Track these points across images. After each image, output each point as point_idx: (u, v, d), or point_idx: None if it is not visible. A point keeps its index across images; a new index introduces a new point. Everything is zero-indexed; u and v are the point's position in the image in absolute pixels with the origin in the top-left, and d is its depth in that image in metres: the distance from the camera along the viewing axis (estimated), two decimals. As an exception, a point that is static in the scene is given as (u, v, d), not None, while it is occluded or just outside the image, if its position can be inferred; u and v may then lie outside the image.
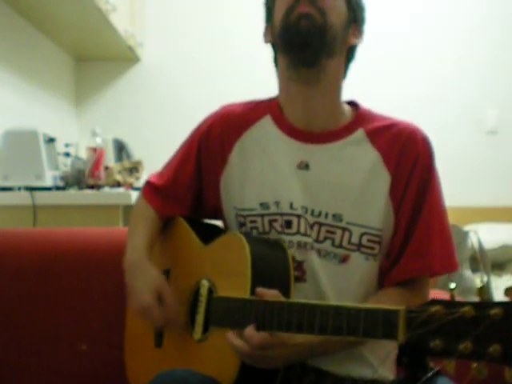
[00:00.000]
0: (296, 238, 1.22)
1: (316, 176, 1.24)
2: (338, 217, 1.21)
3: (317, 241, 1.22)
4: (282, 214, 1.24)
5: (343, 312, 0.98)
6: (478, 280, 2.74)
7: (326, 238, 1.21)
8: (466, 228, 2.95)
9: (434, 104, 4.04)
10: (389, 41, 4.04)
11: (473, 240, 2.79)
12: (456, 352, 0.83)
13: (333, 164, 1.24)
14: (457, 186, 3.92)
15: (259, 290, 1.11)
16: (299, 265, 1.21)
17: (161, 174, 1.40)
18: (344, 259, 1.21)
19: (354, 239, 1.21)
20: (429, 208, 1.22)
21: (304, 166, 1.25)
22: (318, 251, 1.21)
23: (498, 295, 2.77)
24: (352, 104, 1.32)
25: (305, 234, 1.22)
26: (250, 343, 1.06)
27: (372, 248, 1.22)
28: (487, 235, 3.09)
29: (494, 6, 4.07)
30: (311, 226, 1.22)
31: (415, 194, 1.21)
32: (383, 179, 1.22)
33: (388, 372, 1.25)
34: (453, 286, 2.20)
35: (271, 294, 1.10)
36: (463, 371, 0.83)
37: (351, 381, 1.20)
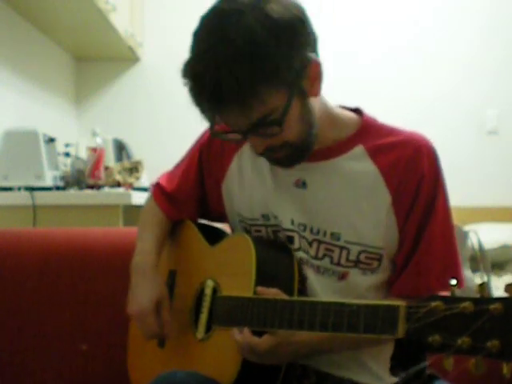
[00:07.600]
0: (298, 255, 1.21)
1: (314, 194, 1.21)
2: (335, 236, 1.19)
3: (316, 258, 1.20)
4: (282, 229, 1.23)
5: (344, 308, 0.98)
6: (478, 280, 2.73)
7: (324, 256, 1.20)
8: (466, 228, 2.94)
9: (434, 105, 4.04)
10: (389, 43, 4.05)
11: (473, 240, 2.78)
12: (454, 347, 0.82)
13: (330, 182, 1.21)
14: (457, 186, 3.89)
15: (260, 288, 1.12)
16: (302, 280, 1.20)
17: (170, 177, 1.41)
18: (343, 276, 1.20)
19: (352, 257, 1.19)
20: (433, 227, 1.17)
21: (301, 184, 1.22)
22: (317, 268, 1.20)
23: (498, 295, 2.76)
24: (357, 111, 1.25)
25: (305, 251, 1.21)
26: (257, 349, 1.07)
27: (370, 264, 1.20)
28: (487, 235, 3.09)
29: (494, 9, 4.07)
30: (310, 243, 1.21)
31: (421, 213, 1.17)
32: (383, 197, 1.18)
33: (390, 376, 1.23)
34: (454, 282, 2.19)
35: (272, 293, 1.10)
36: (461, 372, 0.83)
37: (351, 383, 1.20)
